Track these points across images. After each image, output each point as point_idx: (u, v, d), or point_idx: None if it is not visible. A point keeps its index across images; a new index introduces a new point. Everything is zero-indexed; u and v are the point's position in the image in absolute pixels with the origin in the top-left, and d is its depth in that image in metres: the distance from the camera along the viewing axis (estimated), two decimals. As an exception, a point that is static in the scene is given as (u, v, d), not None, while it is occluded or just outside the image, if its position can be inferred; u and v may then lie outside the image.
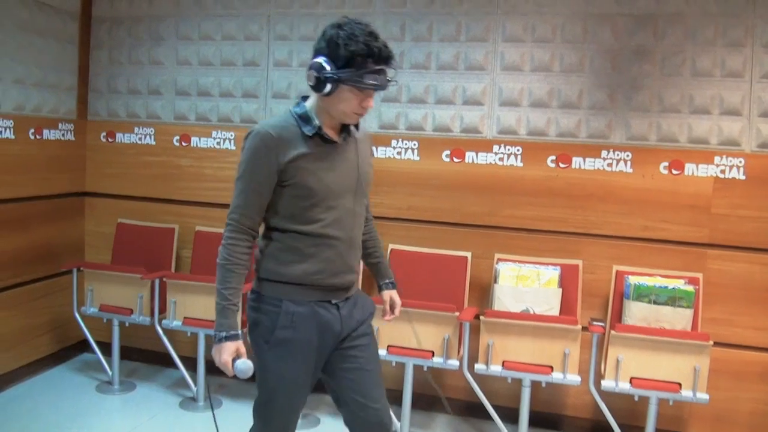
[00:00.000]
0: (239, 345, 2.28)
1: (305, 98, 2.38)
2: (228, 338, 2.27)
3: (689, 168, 3.92)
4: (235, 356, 2.28)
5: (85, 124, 4.96)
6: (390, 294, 2.83)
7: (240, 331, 2.32)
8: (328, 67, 2.20)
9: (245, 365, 2.25)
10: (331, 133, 2.35)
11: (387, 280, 2.84)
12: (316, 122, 2.30)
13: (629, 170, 4.00)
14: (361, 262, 2.67)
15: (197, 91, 4.74)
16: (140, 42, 4.84)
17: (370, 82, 2.21)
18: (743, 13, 3.83)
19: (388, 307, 2.82)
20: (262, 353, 2.39)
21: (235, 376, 2.29)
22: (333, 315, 2.39)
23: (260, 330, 2.38)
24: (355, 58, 2.17)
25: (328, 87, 2.21)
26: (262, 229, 2.42)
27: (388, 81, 2.27)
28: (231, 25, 4.64)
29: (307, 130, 2.29)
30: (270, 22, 4.56)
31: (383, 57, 2.21)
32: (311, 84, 2.25)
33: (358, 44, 2.17)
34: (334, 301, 2.39)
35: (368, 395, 2.47)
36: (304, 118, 2.31)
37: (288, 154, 2.26)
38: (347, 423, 2.55)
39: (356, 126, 2.43)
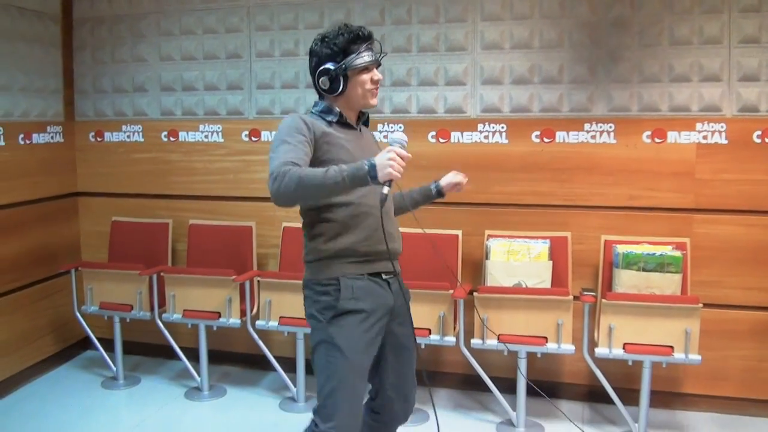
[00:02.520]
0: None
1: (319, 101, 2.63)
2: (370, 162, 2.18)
3: (672, 136, 3.98)
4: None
5: (73, 125, 4.99)
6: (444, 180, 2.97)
7: None
8: (332, 67, 2.48)
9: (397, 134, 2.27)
10: (351, 119, 2.61)
11: (432, 184, 2.97)
12: (337, 110, 2.56)
13: (613, 141, 4.06)
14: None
15: (182, 86, 4.77)
16: (122, 40, 4.85)
17: (369, 58, 2.52)
18: (720, -21, 3.87)
19: (455, 180, 2.96)
20: (324, 335, 2.46)
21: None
22: (385, 290, 2.54)
23: (321, 315, 2.47)
24: (348, 46, 2.49)
25: (341, 82, 2.50)
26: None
27: (379, 53, 2.57)
28: (211, 18, 4.66)
29: (330, 118, 2.55)
30: (250, 14, 4.58)
31: (367, 35, 2.53)
32: (325, 89, 2.53)
33: (344, 35, 2.50)
34: (384, 277, 2.54)
35: (403, 389, 2.69)
36: (325, 111, 2.57)
37: (318, 132, 2.46)
38: (375, 400, 2.71)
39: (366, 124, 2.72)
